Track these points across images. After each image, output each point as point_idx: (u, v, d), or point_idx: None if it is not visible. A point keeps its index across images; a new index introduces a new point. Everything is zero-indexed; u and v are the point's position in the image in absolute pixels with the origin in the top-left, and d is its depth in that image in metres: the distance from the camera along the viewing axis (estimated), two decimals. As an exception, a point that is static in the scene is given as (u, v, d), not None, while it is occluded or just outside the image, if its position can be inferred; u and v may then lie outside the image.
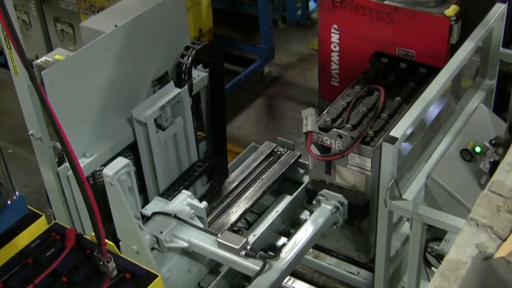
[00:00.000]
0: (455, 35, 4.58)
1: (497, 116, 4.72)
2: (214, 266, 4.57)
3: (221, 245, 4.01)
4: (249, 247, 3.96)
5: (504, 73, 4.98)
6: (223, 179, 5.24)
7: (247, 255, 3.93)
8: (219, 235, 4.05)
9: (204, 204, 4.40)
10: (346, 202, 4.28)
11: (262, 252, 3.96)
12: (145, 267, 3.39)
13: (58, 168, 4.27)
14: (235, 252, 3.95)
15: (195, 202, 4.39)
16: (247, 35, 9.02)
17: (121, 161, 3.95)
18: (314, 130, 4.20)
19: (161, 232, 4.21)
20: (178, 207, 4.33)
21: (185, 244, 4.17)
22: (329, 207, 4.29)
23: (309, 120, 4.20)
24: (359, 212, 4.29)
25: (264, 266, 3.84)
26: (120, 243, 4.24)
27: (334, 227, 4.36)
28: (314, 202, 4.37)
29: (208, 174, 5.22)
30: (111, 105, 4.44)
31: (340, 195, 4.28)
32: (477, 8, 4.68)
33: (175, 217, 4.24)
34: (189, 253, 4.34)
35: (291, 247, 4.05)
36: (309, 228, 4.21)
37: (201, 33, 7.00)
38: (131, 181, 4.09)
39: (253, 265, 3.92)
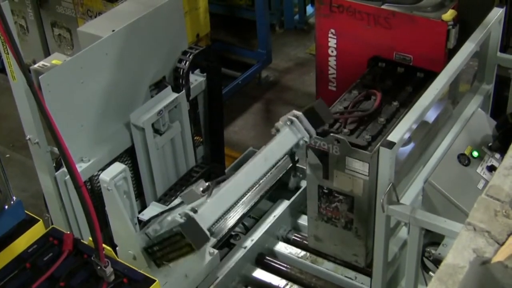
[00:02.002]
0: (453, 40, 4.59)
1: (495, 121, 4.72)
2: (211, 272, 4.56)
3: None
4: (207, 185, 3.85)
5: (501, 77, 4.98)
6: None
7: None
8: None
9: None
10: (315, 135, 4.17)
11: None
12: (142, 272, 3.39)
13: (56, 173, 4.27)
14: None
15: None
16: (244, 40, 9.02)
17: (118, 167, 3.94)
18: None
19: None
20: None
21: None
22: (299, 136, 4.17)
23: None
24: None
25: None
26: (117, 248, 4.23)
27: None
28: (286, 119, 4.20)
29: (206, 179, 5.22)
30: (109, 110, 4.44)
31: (313, 130, 4.14)
32: (475, 12, 4.68)
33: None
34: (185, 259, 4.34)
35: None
36: (271, 153, 4.11)
37: (198, 37, 7.00)
38: (127, 186, 4.09)
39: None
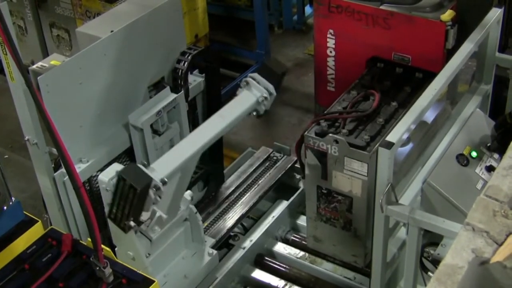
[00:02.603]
0: (451, 40, 4.58)
1: (493, 121, 4.72)
2: (210, 272, 4.57)
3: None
4: None
5: (500, 78, 4.98)
6: (219, 184, 5.25)
7: None
8: None
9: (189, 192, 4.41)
10: (275, 93, 4.35)
11: None
12: (141, 273, 3.40)
13: (54, 174, 4.27)
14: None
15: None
16: (243, 40, 9.02)
17: (116, 167, 3.93)
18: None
19: None
20: None
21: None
22: (258, 94, 4.33)
23: None
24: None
25: None
26: (116, 249, 4.25)
27: (254, 113, 4.44)
28: (243, 82, 4.37)
29: (204, 180, 5.23)
30: (107, 111, 4.44)
31: (272, 87, 4.32)
32: (473, 13, 4.68)
33: None
34: (184, 259, 4.36)
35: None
36: (228, 111, 4.27)
37: (197, 38, 7.01)
38: None
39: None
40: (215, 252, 4.61)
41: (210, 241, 4.72)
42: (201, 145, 4.08)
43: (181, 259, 4.50)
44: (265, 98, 4.34)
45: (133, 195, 3.59)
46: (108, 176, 3.85)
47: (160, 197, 3.70)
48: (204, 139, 4.11)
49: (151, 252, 4.24)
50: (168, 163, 3.89)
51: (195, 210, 4.49)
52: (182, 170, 4.01)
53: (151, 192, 3.63)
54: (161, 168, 3.79)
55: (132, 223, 3.68)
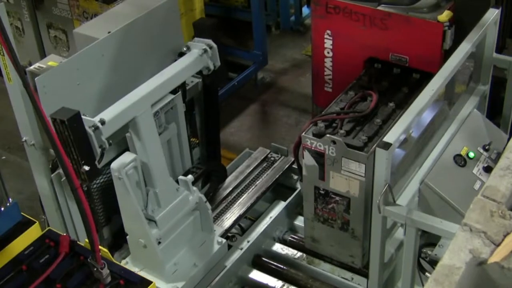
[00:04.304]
0: (449, 41, 4.59)
1: (491, 122, 4.73)
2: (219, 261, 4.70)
3: None
4: None
5: (497, 78, 4.98)
6: (221, 181, 5.25)
7: None
8: None
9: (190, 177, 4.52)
10: (215, 46, 4.50)
11: None
12: (138, 274, 3.39)
13: (52, 175, 4.27)
14: None
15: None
16: (240, 41, 9.02)
17: (129, 156, 4.06)
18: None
19: None
20: None
21: None
22: (197, 50, 4.47)
23: None
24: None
25: None
26: (127, 237, 4.37)
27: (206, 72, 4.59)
28: (184, 49, 4.54)
29: (206, 177, 5.23)
30: (105, 112, 4.43)
31: (209, 40, 4.49)
32: (471, 13, 4.69)
33: None
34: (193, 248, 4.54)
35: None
36: (170, 70, 4.38)
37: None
38: (138, 176, 4.17)
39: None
40: (224, 240, 4.71)
41: (219, 230, 4.81)
42: (145, 93, 4.18)
43: (190, 248, 4.59)
44: (205, 50, 4.47)
45: (67, 131, 3.60)
46: (120, 165, 3.98)
47: (104, 139, 3.79)
48: (149, 88, 4.22)
49: (162, 240, 4.34)
50: (110, 109, 4.00)
51: (204, 199, 4.58)
52: (132, 123, 4.10)
53: (90, 130, 3.70)
54: (101, 112, 3.93)
55: (86, 167, 3.69)
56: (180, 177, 4.53)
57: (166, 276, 4.41)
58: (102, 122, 3.80)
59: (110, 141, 3.87)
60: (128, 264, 4.53)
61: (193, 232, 4.64)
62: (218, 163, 5.39)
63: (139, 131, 4.13)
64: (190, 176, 4.51)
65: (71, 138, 3.60)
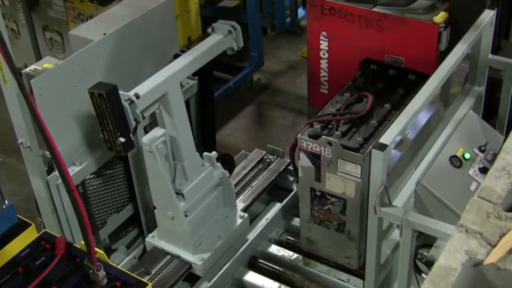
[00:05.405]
0: (444, 42, 4.59)
1: (486, 123, 4.73)
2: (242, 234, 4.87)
3: None
4: None
5: (493, 79, 4.99)
6: (231, 170, 5.28)
7: None
8: None
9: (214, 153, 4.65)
10: (239, 27, 4.52)
11: None
12: (135, 275, 3.39)
13: (48, 177, 4.26)
14: None
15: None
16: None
17: (159, 131, 4.19)
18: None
19: None
20: None
21: None
22: (222, 31, 4.50)
23: None
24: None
25: None
26: (155, 210, 4.50)
27: (230, 52, 4.61)
28: (209, 30, 4.56)
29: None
30: (101, 113, 4.43)
31: (233, 22, 4.52)
32: (466, 14, 4.69)
33: None
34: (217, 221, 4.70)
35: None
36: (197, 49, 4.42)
37: (190, 41, 7.00)
38: (166, 150, 4.26)
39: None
40: (246, 215, 4.86)
41: (241, 205, 4.97)
42: (176, 69, 4.24)
43: (215, 221, 4.69)
44: (229, 31, 4.49)
45: (105, 104, 3.78)
46: (151, 139, 4.13)
47: (138, 112, 3.91)
48: (180, 65, 4.28)
49: (189, 213, 4.44)
50: (144, 83, 4.11)
51: (228, 175, 4.69)
52: (163, 99, 4.18)
53: (125, 103, 3.83)
54: (142, 89, 4.03)
55: (121, 139, 3.87)
56: (205, 153, 4.62)
57: (192, 248, 4.51)
58: (137, 96, 3.92)
59: (144, 115, 4.00)
60: (154, 237, 4.67)
61: (217, 206, 4.73)
62: (209, 130, 5.45)
63: (169, 106, 4.21)
64: (214, 152, 4.62)
65: (108, 111, 3.78)
